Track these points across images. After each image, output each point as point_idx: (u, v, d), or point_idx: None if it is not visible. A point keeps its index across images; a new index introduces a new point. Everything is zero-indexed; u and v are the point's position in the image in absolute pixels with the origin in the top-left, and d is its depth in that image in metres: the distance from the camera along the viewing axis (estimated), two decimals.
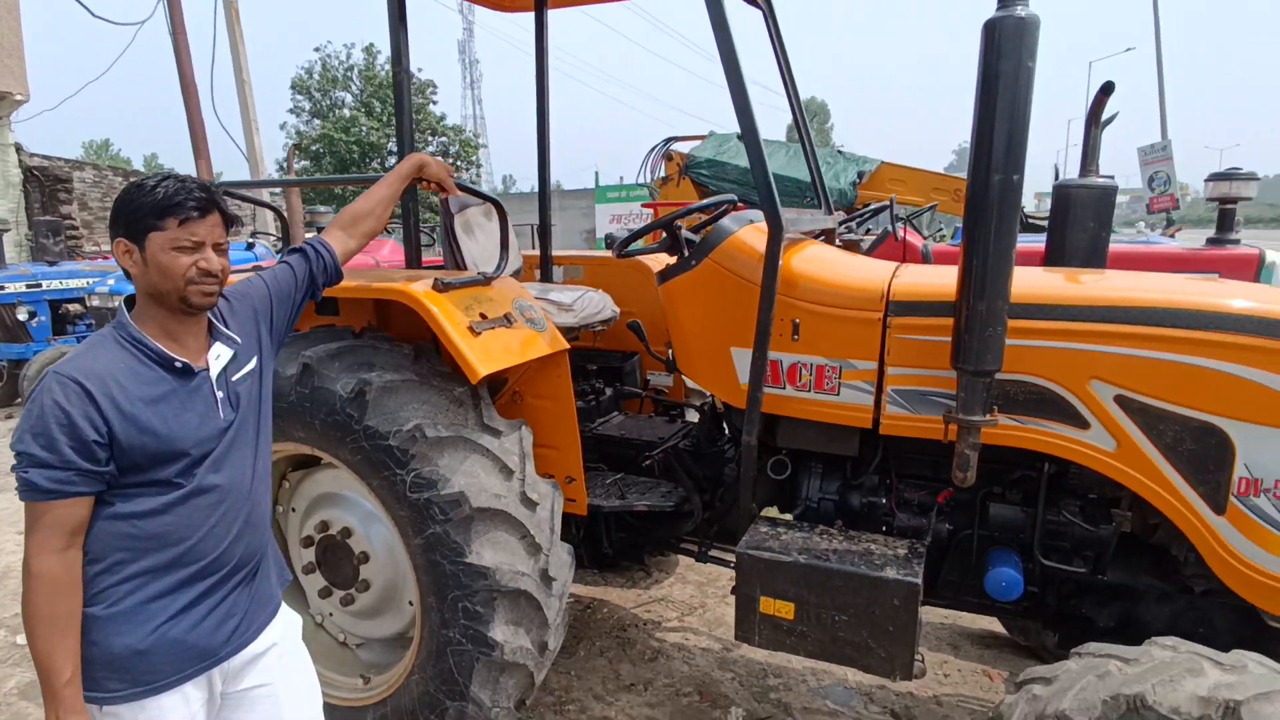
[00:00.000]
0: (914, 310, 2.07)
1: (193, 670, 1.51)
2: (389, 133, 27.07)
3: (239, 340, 1.62)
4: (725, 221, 2.37)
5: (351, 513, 2.41)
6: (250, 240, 9.12)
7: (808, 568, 2.04)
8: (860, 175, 8.07)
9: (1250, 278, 3.58)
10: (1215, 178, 3.67)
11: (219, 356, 1.57)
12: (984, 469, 2.21)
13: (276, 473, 2.57)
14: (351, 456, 2.16)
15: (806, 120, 2.98)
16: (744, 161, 8.76)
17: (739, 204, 2.47)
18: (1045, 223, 7.83)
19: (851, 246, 3.08)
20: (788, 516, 2.36)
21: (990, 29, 1.73)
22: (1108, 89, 3.55)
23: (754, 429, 2.25)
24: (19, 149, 14.41)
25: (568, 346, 2.39)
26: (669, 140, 9.32)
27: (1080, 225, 3.58)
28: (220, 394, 1.55)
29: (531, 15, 3.22)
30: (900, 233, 4.12)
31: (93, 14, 10.20)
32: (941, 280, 2.12)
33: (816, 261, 2.32)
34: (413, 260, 2.66)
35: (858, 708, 2.81)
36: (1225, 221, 3.76)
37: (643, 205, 10.80)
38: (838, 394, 2.21)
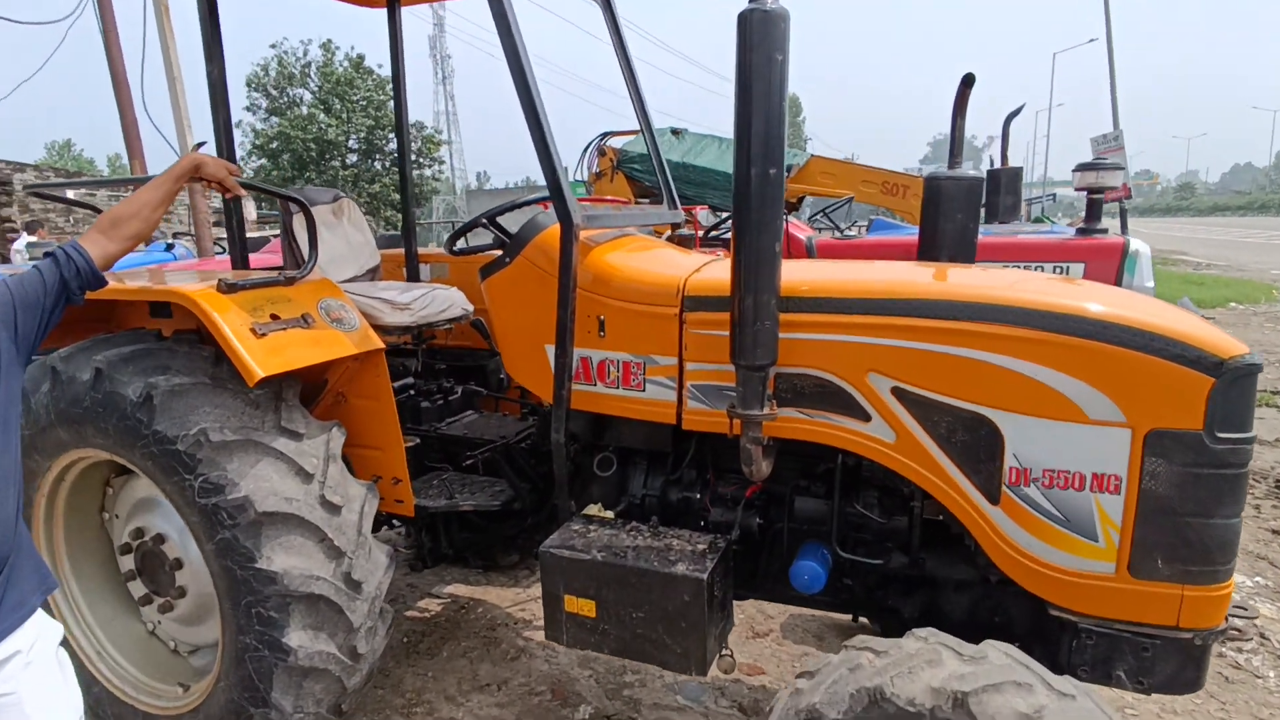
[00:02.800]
0: (705, 305, 2.07)
1: None
2: (347, 129, 26.74)
3: None
4: (540, 217, 2.34)
5: (167, 519, 2.36)
6: (170, 241, 8.95)
7: (605, 565, 2.03)
8: (788, 169, 8.08)
9: (1115, 267, 3.63)
10: (1082, 168, 3.71)
11: None
12: (790, 463, 2.23)
13: (99, 477, 2.51)
14: (144, 462, 2.11)
15: (648, 117, 2.95)
16: (677, 156, 8.76)
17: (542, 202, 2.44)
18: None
19: (685, 242, 3.07)
20: (609, 514, 2.35)
21: (742, 22, 1.71)
22: (968, 81, 3.58)
23: (561, 426, 2.24)
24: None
25: (380, 346, 2.35)
26: (605, 135, 9.27)
27: (949, 217, 3.62)
28: None
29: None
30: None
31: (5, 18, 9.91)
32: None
33: (624, 258, 2.30)
34: (238, 262, 2.61)
35: (707, 703, 2.82)
36: (1093, 211, 3.80)
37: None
38: (644, 390, 2.20)
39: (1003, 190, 6.12)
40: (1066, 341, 1.72)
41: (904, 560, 2.13)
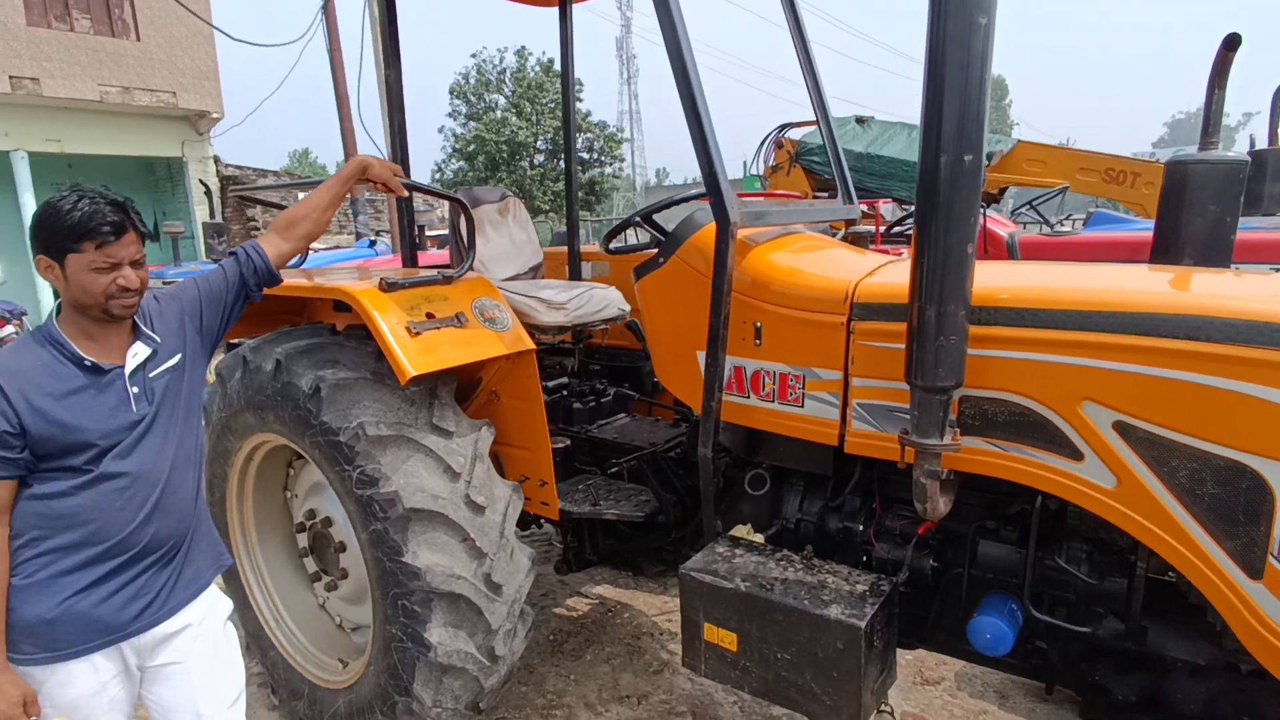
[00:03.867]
0: (878, 314, 1.80)
1: (98, 643, 1.61)
2: (536, 131, 28.20)
3: (159, 340, 1.70)
4: (697, 215, 2.19)
5: (335, 504, 2.48)
6: (373, 238, 9.81)
7: (748, 596, 1.84)
8: (989, 157, 7.29)
9: None
10: None
11: (136, 355, 1.66)
12: (976, 499, 1.91)
13: (284, 458, 2.71)
14: (313, 450, 2.22)
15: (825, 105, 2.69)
16: (861, 147, 8.23)
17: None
18: None
19: (860, 241, 2.75)
20: (759, 537, 2.16)
21: None
22: (1231, 42, 2.97)
23: (709, 440, 2.07)
24: (217, 160, 16.50)
25: (532, 347, 2.31)
26: (783, 126, 8.93)
27: (1197, 209, 3.03)
28: (134, 389, 1.64)
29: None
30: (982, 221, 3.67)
31: (234, 38, 11.35)
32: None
33: (786, 258, 2.08)
34: (408, 260, 2.70)
35: None
36: None
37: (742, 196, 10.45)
38: (802, 405, 1.97)
39: (1270, 176, 5.12)
40: None
41: (1119, 630, 1.74)
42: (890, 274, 1.93)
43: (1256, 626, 1.45)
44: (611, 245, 2.49)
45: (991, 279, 1.73)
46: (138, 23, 14.26)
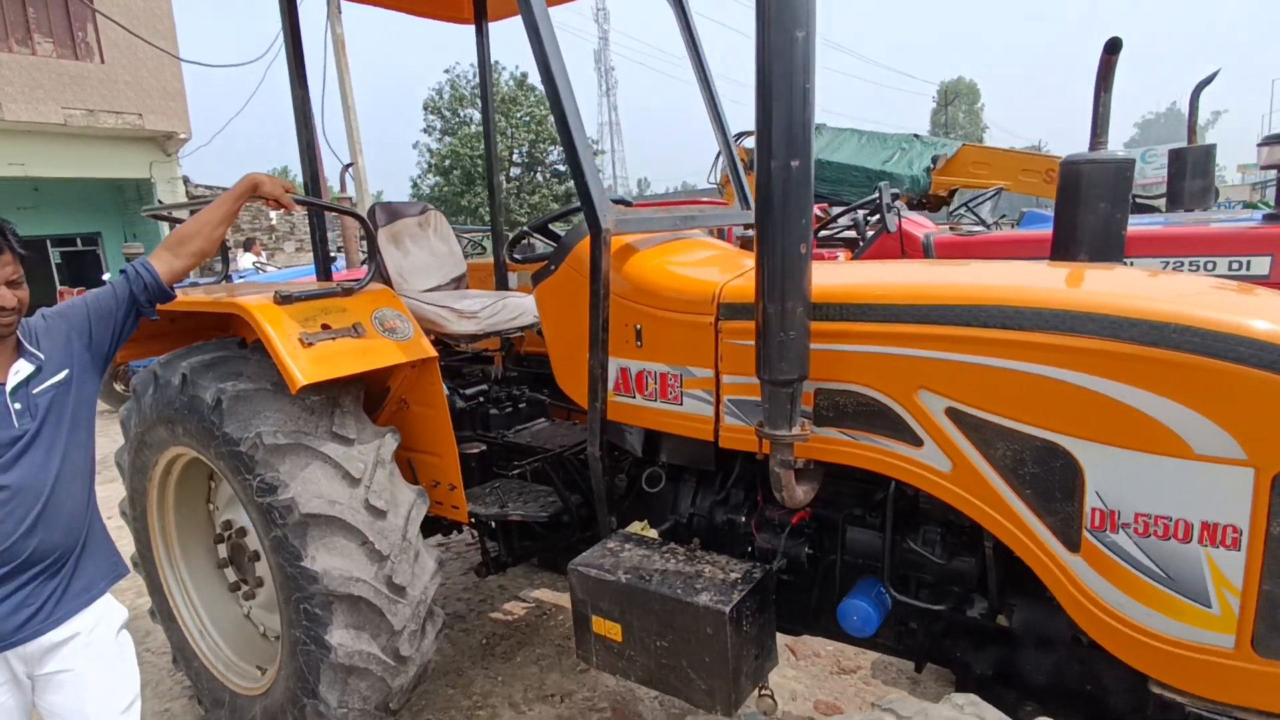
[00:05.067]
0: (739, 313, 1.89)
1: None
2: (511, 144, 28.33)
3: (43, 357, 1.75)
4: (585, 224, 2.27)
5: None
6: (335, 254, 9.84)
7: (629, 588, 1.91)
8: (935, 161, 7.46)
9: None
10: (1269, 141, 3.04)
11: (18, 372, 1.71)
12: (846, 488, 2.00)
13: (205, 472, 2.76)
14: (218, 461, 2.27)
15: (720, 117, 2.78)
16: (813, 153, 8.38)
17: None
18: (1160, 202, 6.89)
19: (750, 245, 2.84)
20: (653, 533, 2.23)
21: None
22: (1112, 47, 3.10)
23: (595, 439, 2.15)
24: (186, 181, 16.48)
25: (432, 355, 2.38)
26: (739, 136, 9.07)
27: (1089, 207, 3.14)
28: (16, 405, 1.69)
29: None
30: (895, 224, 3.79)
31: (184, 60, 11.38)
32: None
33: (664, 263, 2.17)
34: (322, 275, 2.77)
35: None
36: None
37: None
38: (681, 403, 2.06)
39: (1190, 173, 5.27)
40: (1164, 357, 1.38)
41: (974, 608, 1.83)
42: (753, 275, 2.01)
43: (1079, 597, 1.54)
44: (515, 255, 2.57)
45: (837, 278, 1.82)
46: (101, 45, 14.27)
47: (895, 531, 1.86)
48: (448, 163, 29.05)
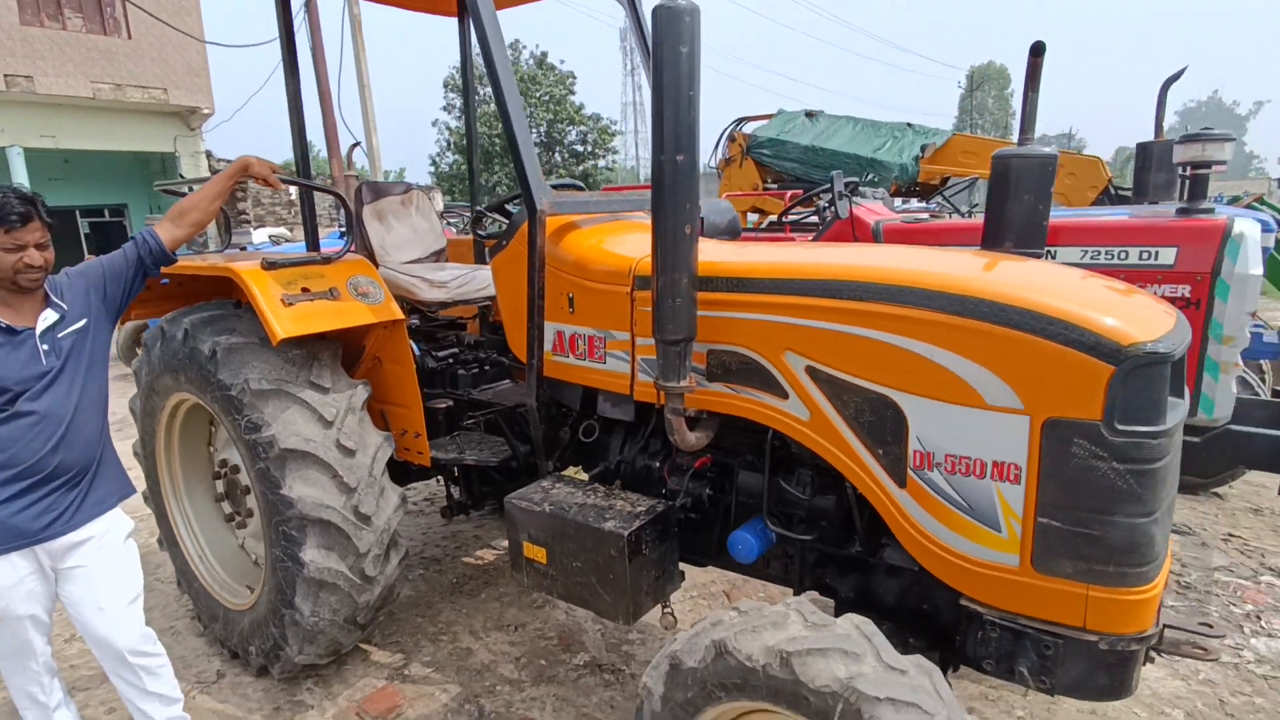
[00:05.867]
0: (647, 284, 2.20)
1: (15, 545, 2.03)
2: (530, 124, 28.54)
3: (66, 307, 2.12)
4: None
5: None
6: (342, 230, 10.20)
7: (552, 516, 2.25)
8: (923, 150, 7.66)
9: (1213, 252, 3.16)
10: (1185, 140, 3.26)
11: (46, 319, 2.09)
12: (741, 437, 2.31)
13: (207, 416, 3.13)
14: (213, 404, 2.64)
15: None
16: (807, 140, 8.61)
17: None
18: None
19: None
20: (583, 477, 2.57)
21: (654, 17, 1.83)
22: (1037, 50, 3.34)
23: (533, 393, 2.48)
24: (209, 155, 16.96)
25: (399, 318, 2.72)
26: (739, 121, 9.31)
27: (1015, 198, 3.40)
28: (44, 347, 2.06)
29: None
30: (847, 211, 4.06)
31: (200, 39, 11.73)
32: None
33: (596, 241, 2.48)
34: (311, 245, 3.11)
35: None
36: (1196, 188, 3.32)
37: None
38: (604, 363, 2.38)
39: (1154, 166, 5.46)
40: (962, 324, 1.68)
41: (837, 540, 2.15)
42: None
43: (906, 526, 1.86)
44: (480, 231, 2.89)
45: (723, 255, 2.13)
46: (129, 21, 14.69)
47: (773, 473, 2.18)
48: (465, 141, 29.33)
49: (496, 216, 2.64)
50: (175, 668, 2.92)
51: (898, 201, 7.14)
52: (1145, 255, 3.25)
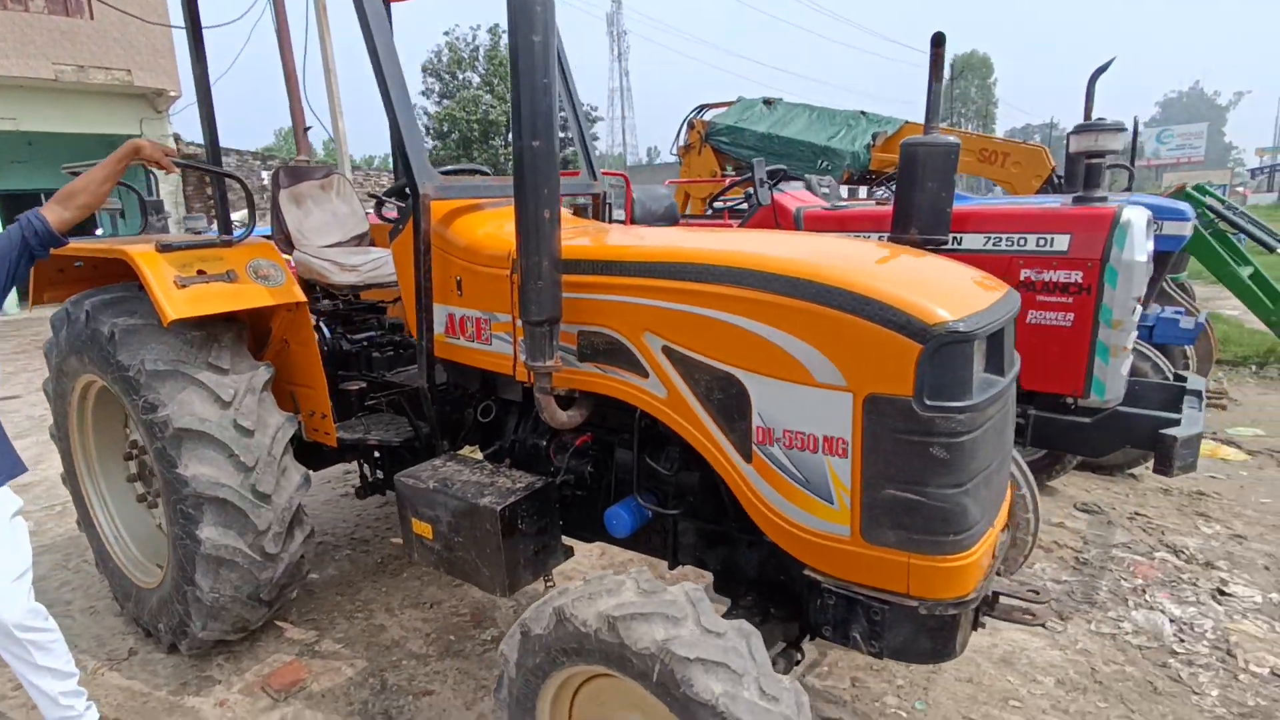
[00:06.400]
0: None
1: None
2: (507, 109, 28.37)
3: None
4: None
5: None
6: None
7: (435, 493, 2.32)
8: (874, 138, 7.74)
9: (1102, 239, 3.26)
10: (1079, 130, 3.36)
11: None
12: (620, 416, 2.39)
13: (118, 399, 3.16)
14: (114, 385, 2.68)
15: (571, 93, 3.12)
16: (764, 127, 8.66)
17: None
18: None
19: (585, 211, 3.19)
20: (476, 455, 2.64)
21: (509, 6, 1.89)
22: (938, 40, 3.41)
23: (423, 374, 2.55)
24: (177, 139, 16.76)
25: (300, 300, 2.77)
26: (700, 108, 9.35)
27: (920, 186, 3.48)
28: None
29: None
30: (768, 198, 4.13)
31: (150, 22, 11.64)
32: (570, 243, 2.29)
33: (484, 225, 2.54)
34: (222, 229, 3.15)
35: None
36: (1091, 177, 3.42)
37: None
38: (490, 344, 2.44)
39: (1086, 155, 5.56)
40: (793, 304, 1.76)
41: (702, 515, 2.23)
42: None
43: (752, 499, 1.94)
44: (384, 216, 2.93)
45: (588, 238, 2.20)
46: (91, 2, 14.47)
47: (642, 451, 2.26)
48: (445, 126, 29.16)
49: (395, 201, 2.69)
50: (90, 646, 2.99)
51: (843, 190, 7.23)
52: (1042, 242, 3.35)
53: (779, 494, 1.89)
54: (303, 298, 2.79)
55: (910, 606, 1.76)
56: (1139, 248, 3.14)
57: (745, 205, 4.70)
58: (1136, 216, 3.18)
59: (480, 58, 29.51)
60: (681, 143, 9.15)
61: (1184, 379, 3.77)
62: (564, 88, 3.11)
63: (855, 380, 1.71)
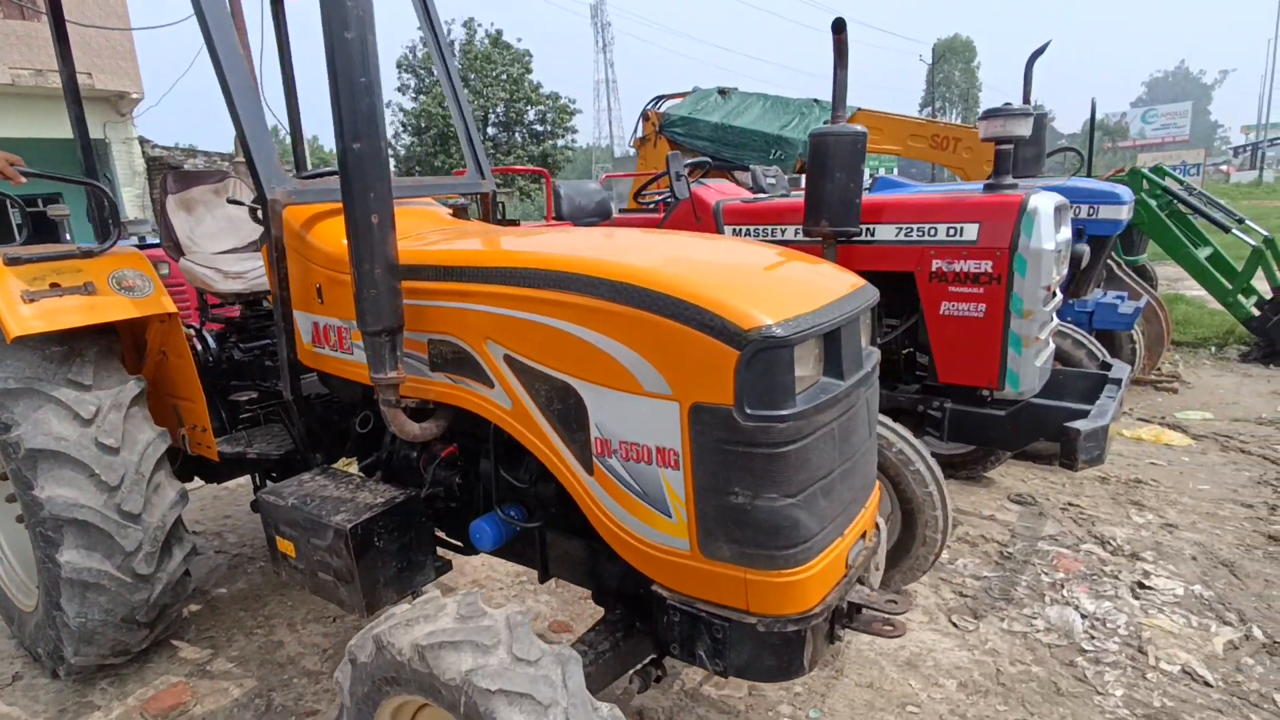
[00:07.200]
0: None
1: None
2: (484, 104, 28.14)
3: None
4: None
5: None
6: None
7: (294, 510, 2.23)
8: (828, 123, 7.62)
9: (1010, 227, 3.17)
10: (987, 115, 3.26)
11: None
12: (477, 425, 2.29)
13: None
14: None
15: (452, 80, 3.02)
16: (718, 118, 8.55)
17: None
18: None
19: (461, 212, 3.08)
20: (352, 469, 2.54)
21: (321, 4, 1.78)
22: (838, 26, 3.32)
23: (286, 385, 2.45)
24: (143, 141, 16.54)
25: (169, 311, 2.67)
26: (657, 100, 9.22)
27: (829, 176, 3.40)
28: None
29: None
30: (685, 192, 4.04)
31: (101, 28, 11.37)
32: (419, 248, 2.19)
33: (341, 229, 2.43)
34: (100, 238, 3.03)
35: None
36: (1001, 164, 3.33)
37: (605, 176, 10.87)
38: (351, 353, 2.34)
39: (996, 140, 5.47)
40: (618, 310, 1.67)
41: (562, 527, 2.15)
42: (411, 241, 2.28)
43: (597, 512, 1.86)
44: (256, 217, 2.82)
45: (429, 243, 2.10)
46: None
47: (499, 462, 2.17)
48: (422, 122, 28.90)
49: (257, 206, 2.58)
50: None
51: (803, 179, 7.10)
52: (952, 232, 3.26)
53: (621, 507, 1.81)
54: (172, 308, 2.68)
55: (749, 624, 1.68)
56: (1046, 236, 3.06)
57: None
58: (1044, 203, 3.09)
59: (456, 52, 29.20)
60: (637, 134, 9.03)
61: (1110, 367, 3.70)
62: (448, 83, 3.01)
63: (680, 389, 1.62)
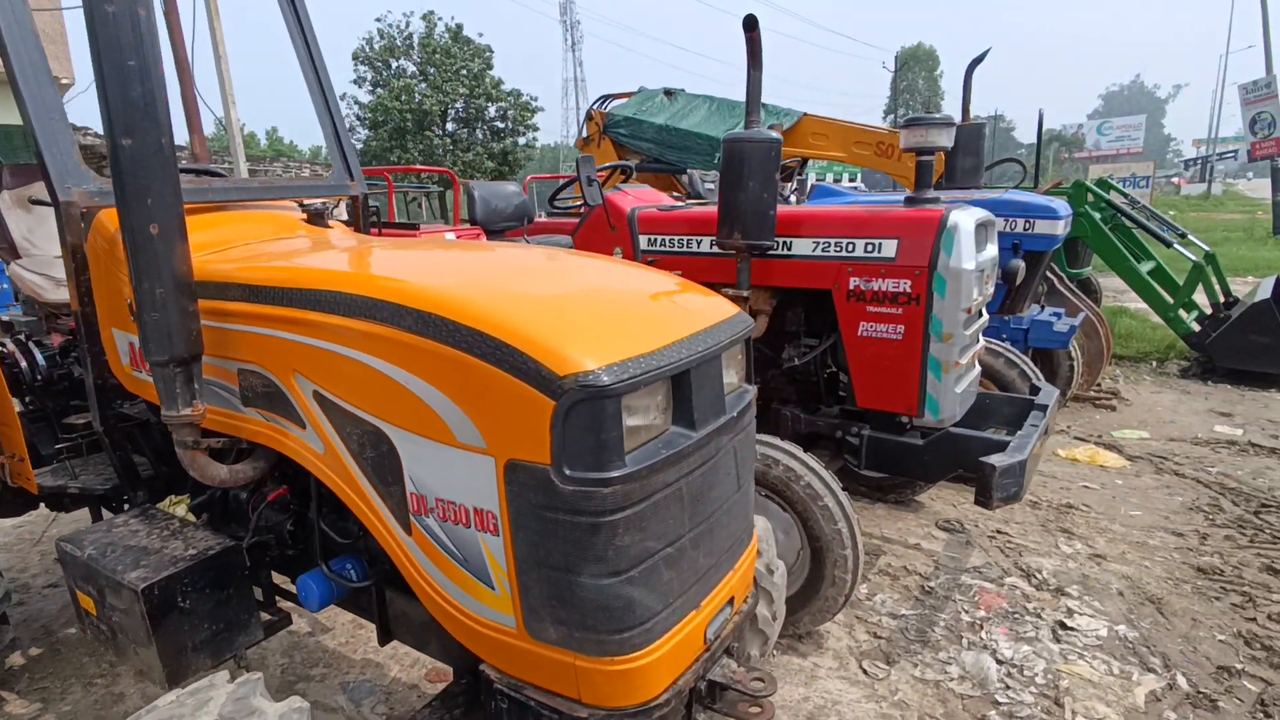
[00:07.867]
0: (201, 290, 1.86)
1: None
2: (443, 99, 27.58)
3: None
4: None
5: None
6: None
7: (88, 563, 1.91)
8: (771, 130, 7.43)
9: (929, 243, 2.97)
10: (909, 124, 3.06)
11: None
12: (295, 468, 2.00)
13: None
14: None
15: (320, 80, 2.72)
16: (662, 119, 8.30)
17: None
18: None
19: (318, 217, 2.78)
20: (181, 510, 2.23)
21: None
22: (749, 24, 3.10)
23: (95, 413, 2.13)
24: (74, 128, 15.76)
25: None
26: (603, 99, 8.94)
27: (742, 185, 3.18)
28: None
29: None
30: (597, 198, 3.78)
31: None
32: (230, 261, 1.89)
33: None
34: None
35: (364, 706, 2.66)
36: (922, 176, 3.12)
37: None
38: None
39: (961, 151, 5.34)
40: (424, 345, 1.40)
41: (399, 585, 1.87)
42: (225, 251, 1.99)
43: (417, 577, 1.59)
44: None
45: (232, 257, 1.81)
46: None
47: (321, 511, 1.88)
48: (379, 116, 28.20)
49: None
50: None
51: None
52: (870, 248, 3.05)
53: (442, 574, 1.54)
54: None
55: (581, 717, 1.43)
56: (967, 254, 2.86)
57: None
58: (964, 220, 2.89)
59: (414, 45, 28.56)
60: (582, 135, 8.74)
61: (1039, 390, 3.53)
62: (314, 75, 2.71)
63: (494, 442, 1.36)
